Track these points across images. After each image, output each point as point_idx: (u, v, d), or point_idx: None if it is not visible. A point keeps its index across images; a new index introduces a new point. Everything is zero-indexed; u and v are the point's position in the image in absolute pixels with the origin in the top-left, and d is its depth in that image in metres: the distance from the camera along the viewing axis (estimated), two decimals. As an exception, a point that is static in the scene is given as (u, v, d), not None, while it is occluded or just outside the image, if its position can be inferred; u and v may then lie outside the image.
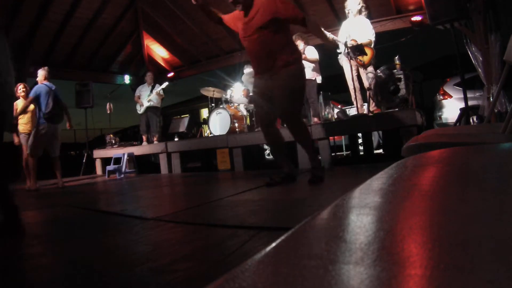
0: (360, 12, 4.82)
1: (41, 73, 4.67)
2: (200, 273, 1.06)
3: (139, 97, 6.75)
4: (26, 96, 4.94)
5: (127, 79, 8.51)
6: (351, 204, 0.41)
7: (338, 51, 4.97)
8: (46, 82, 4.61)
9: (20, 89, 5.00)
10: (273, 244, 0.29)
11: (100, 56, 8.80)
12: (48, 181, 5.36)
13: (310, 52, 5.27)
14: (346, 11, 4.88)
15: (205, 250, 1.32)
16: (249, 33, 2.77)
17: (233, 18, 2.94)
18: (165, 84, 6.76)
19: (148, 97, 6.61)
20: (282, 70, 2.74)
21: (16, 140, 5.11)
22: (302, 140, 3.01)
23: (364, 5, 4.85)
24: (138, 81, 7.42)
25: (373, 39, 4.74)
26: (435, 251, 0.23)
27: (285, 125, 3.03)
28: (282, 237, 0.30)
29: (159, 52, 9.56)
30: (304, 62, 5.18)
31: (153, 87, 6.72)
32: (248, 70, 6.18)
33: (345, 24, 4.92)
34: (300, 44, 5.39)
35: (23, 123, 5.09)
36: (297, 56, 2.89)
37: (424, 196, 0.42)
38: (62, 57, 8.13)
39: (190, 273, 1.06)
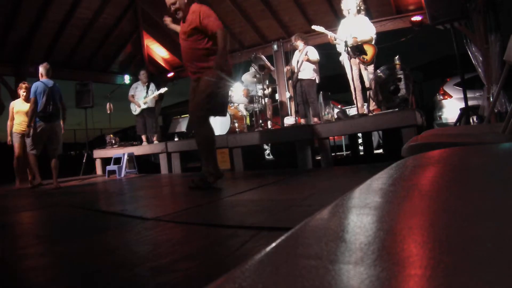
0: (359, 12, 4.83)
1: (39, 70, 4.67)
2: (200, 273, 1.06)
3: (133, 97, 6.68)
4: (27, 97, 4.95)
5: (127, 79, 8.50)
6: (351, 204, 0.41)
7: (339, 50, 4.97)
8: (44, 79, 4.57)
9: (23, 88, 5.02)
10: (273, 244, 0.29)
11: (100, 56, 8.80)
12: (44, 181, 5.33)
13: (311, 53, 5.29)
14: (346, 11, 4.87)
15: (205, 250, 1.32)
16: (182, 37, 3.10)
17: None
18: (164, 89, 6.72)
19: (144, 98, 6.58)
20: (203, 75, 3.00)
21: (8, 139, 5.13)
22: (199, 145, 3.14)
23: (362, 6, 4.86)
24: (138, 81, 7.42)
25: (374, 36, 4.75)
26: (435, 251, 0.23)
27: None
28: (282, 237, 0.30)
29: (159, 52, 9.55)
30: (305, 62, 5.23)
31: (148, 87, 6.67)
32: (250, 70, 6.18)
33: (344, 23, 4.92)
34: (300, 45, 5.41)
35: (17, 123, 5.10)
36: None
37: (424, 196, 0.42)
38: (62, 57, 8.13)
39: (190, 273, 1.06)
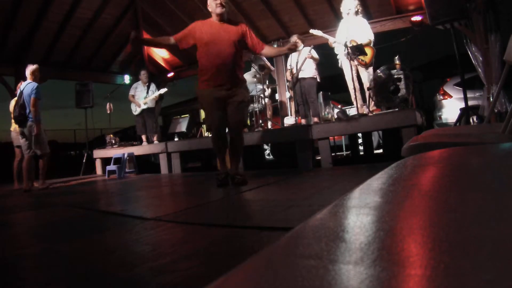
0: (357, 13, 4.82)
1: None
2: (200, 273, 1.06)
3: (133, 96, 6.67)
4: None
5: (127, 79, 8.51)
6: (351, 204, 0.41)
7: (337, 53, 4.97)
8: (22, 84, 4.61)
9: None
10: (273, 244, 0.29)
11: (100, 56, 8.80)
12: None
13: (313, 52, 5.31)
14: (346, 11, 4.86)
15: (205, 250, 1.32)
16: (218, 42, 2.99)
17: (197, 29, 3.08)
18: (164, 90, 6.71)
19: (144, 99, 6.57)
20: (239, 85, 3.13)
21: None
22: (238, 152, 3.29)
23: (360, 8, 4.85)
24: (138, 81, 7.43)
25: (372, 39, 4.75)
26: (435, 251, 0.23)
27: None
28: (282, 237, 0.30)
29: (159, 52, 9.56)
30: (308, 60, 5.24)
31: (148, 87, 6.66)
32: (250, 70, 6.18)
33: (343, 25, 4.91)
34: (301, 45, 5.41)
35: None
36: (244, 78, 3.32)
37: (424, 196, 0.42)
38: (62, 57, 8.13)
39: (190, 273, 1.06)
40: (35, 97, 4.42)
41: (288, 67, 5.57)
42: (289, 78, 5.60)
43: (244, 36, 3.08)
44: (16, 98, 4.53)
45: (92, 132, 9.98)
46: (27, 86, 4.50)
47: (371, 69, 4.76)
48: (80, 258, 1.38)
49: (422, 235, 0.28)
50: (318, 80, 5.41)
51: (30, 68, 4.61)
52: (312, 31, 5.13)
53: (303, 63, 5.21)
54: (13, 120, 4.94)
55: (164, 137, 8.05)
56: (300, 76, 5.29)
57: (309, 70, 5.30)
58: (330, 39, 4.88)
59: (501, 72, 3.09)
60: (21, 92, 4.45)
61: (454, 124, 4.84)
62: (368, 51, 4.63)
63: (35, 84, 4.52)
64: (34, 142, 4.53)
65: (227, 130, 3.26)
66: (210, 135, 6.28)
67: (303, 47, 5.42)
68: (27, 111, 4.44)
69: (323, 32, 5.12)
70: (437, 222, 0.31)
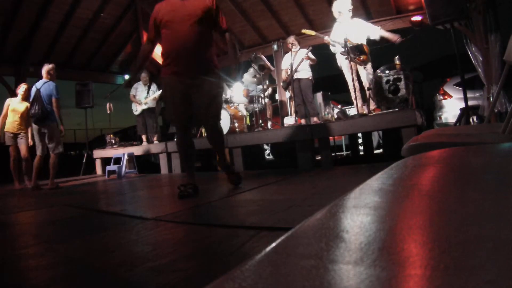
0: (351, 16, 4.83)
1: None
2: (200, 273, 1.06)
3: (134, 97, 6.68)
4: (24, 97, 4.97)
5: (127, 79, 8.50)
6: (351, 204, 0.41)
7: (334, 52, 4.96)
8: (39, 81, 4.58)
9: (23, 88, 5.03)
10: (273, 244, 0.29)
11: (100, 56, 8.80)
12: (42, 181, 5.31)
13: (310, 53, 5.32)
14: (346, 11, 4.84)
15: (205, 250, 1.32)
16: (177, 21, 2.55)
17: (159, 13, 2.64)
18: None
19: (145, 99, 6.57)
20: (208, 73, 2.66)
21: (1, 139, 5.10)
22: (220, 148, 2.98)
23: (351, 8, 4.85)
24: (138, 82, 7.43)
25: (380, 32, 4.73)
26: (435, 251, 0.23)
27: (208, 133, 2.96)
28: (282, 237, 0.30)
29: (159, 52, 9.55)
30: (305, 61, 5.24)
31: (149, 87, 6.66)
32: (250, 70, 6.19)
33: (338, 26, 4.89)
34: (297, 46, 5.42)
35: (9, 121, 5.00)
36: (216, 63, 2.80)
37: (424, 196, 0.42)
38: (62, 57, 8.13)
39: (190, 273, 1.06)
40: (57, 98, 4.49)
41: (284, 67, 5.58)
42: (283, 78, 5.60)
43: (211, 10, 2.61)
44: (32, 98, 4.49)
45: (92, 132, 10.00)
46: (44, 85, 4.49)
47: (369, 67, 4.75)
48: (80, 258, 1.38)
49: (422, 235, 0.28)
50: (313, 81, 5.44)
51: (46, 68, 4.59)
52: (304, 31, 5.11)
53: (300, 64, 5.22)
54: (14, 121, 4.94)
55: (164, 137, 8.05)
56: (296, 76, 5.30)
57: (305, 71, 5.33)
58: (328, 40, 4.87)
59: (501, 72, 3.09)
60: (38, 90, 4.42)
61: (454, 124, 4.84)
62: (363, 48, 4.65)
63: (53, 84, 4.53)
64: (54, 141, 4.57)
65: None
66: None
67: (299, 48, 5.42)
68: (48, 109, 4.45)
69: (322, 32, 5.12)
70: (437, 222, 0.31)
